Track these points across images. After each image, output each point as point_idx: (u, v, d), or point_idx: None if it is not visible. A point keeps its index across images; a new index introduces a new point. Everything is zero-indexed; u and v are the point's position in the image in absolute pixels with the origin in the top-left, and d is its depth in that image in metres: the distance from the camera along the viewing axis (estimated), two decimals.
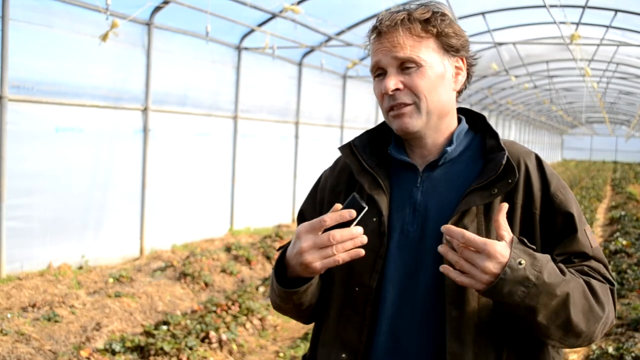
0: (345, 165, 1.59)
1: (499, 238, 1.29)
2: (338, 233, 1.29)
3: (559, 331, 1.33)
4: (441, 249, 1.31)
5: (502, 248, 1.27)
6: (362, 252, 1.31)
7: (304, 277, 1.39)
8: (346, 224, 1.30)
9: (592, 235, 1.48)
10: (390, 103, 1.44)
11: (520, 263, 1.27)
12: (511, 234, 1.31)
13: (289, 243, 1.42)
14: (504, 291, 1.26)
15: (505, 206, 1.32)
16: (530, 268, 1.27)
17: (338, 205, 1.32)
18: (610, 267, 6.25)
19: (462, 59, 1.50)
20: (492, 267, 1.26)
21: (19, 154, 6.10)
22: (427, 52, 1.43)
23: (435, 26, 1.44)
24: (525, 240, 1.33)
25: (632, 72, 15.70)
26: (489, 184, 1.41)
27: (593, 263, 1.44)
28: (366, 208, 1.30)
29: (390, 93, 1.42)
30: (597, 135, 48.36)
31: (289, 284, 1.42)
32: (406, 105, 1.43)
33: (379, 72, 1.47)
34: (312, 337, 1.60)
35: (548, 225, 1.44)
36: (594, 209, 14.00)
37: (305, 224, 1.33)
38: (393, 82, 1.42)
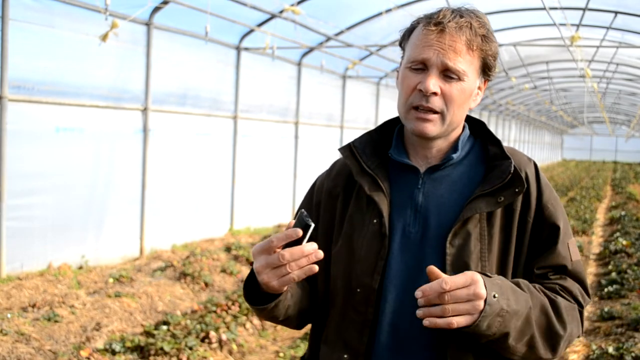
0: (343, 168, 1.58)
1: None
2: (287, 252, 1.30)
3: (524, 348, 1.37)
4: (421, 313, 1.30)
5: (478, 278, 1.30)
6: (316, 268, 1.32)
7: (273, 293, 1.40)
8: (299, 242, 1.31)
9: (575, 249, 1.50)
10: (419, 102, 1.42)
11: (494, 296, 1.29)
12: (470, 272, 1.31)
13: None
14: (484, 326, 1.29)
15: (434, 269, 1.31)
16: (502, 298, 1.31)
17: (291, 222, 1.34)
18: (610, 267, 6.14)
19: (485, 81, 1.52)
20: (482, 291, 1.28)
21: (19, 154, 6.10)
22: (471, 69, 1.44)
23: (490, 47, 1.45)
24: (486, 273, 1.35)
25: (632, 73, 15.71)
26: (495, 192, 1.42)
27: (568, 282, 1.47)
28: (312, 225, 1.31)
29: (428, 94, 1.41)
30: (597, 135, 48.37)
31: (263, 297, 1.43)
32: (434, 113, 1.43)
33: (418, 66, 1.43)
34: (310, 337, 1.60)
35: (536, 234, 1.47)
36: (594, 209, 14.00)
37: (257, 245, 1.35)
38: (435, 84, 1.41)
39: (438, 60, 1.40)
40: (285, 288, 1.37)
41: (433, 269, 1.30)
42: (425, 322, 1.29)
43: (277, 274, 1.32)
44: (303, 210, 1.34)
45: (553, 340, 1.40)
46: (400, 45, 1.53)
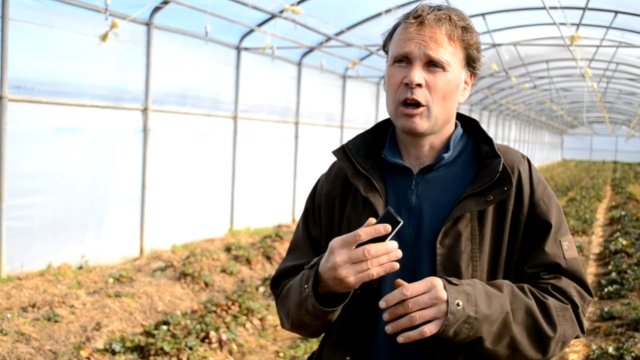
0: (340, 171, 1.58)
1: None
2: (373, 247, 1.28)
3: (506, 351, 1.37)
4: (390, 328, 1.32)
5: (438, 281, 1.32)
6: (397, 265, 1.30)
7: (336, 292, 1.37)
8: (380, 238, 1.29)
9: (571, 247, 1.49)
10: (406, 95, 1.42)
11: (458, 305, 1.30)
12: (432, 278, 1.33)
13: (319, 259, 1.40)
14: (450, 334, 1.30)
15: (400, 281, 1.33)
16: (468, 305, 1.31)
17: (372, 220, 1.31)
18: (610, 267, 6.11)
19: (472, 75, 1.52)
20: (443, 294, 1.31)
21: (19, 154, 6.10)
22: (454, 60, 1.44)
23: (471, 38, 1.45)
24: (450, 279, 1.35)
25: (632, 72, 15.71)
26: (484, 190, 1.42)
27: (562, 282, 1.46)
28: (402, 222, 1.30)
29: (413, 86, 1.41)
30: (597, 135, 48.36)
31: (321, 301, 1.40)
32: (420, 106, 1.42)
33: (402, 60, 1.44)
34: (322, 337, 1.60)
35: (528, 232, 1.46)
36: (594, 209, 14.00)
37: (339, 239, 1.32)
38: (420, 75, 1.41)
39: (420, 52, 1.41)
40: (357, 286, 1.34)
41: (399, 281, 1.33)
42: (400, 338, 1.31)
43: (357, 269, 1.29)
44: (390, 207, 1.32)
45: (542, 341, 1.39)
46: (383, 48, 1.53)
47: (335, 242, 1.32)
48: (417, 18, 1.43)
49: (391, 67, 1.46)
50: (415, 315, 1.29)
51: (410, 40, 1.42)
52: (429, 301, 1.29)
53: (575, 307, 1.45)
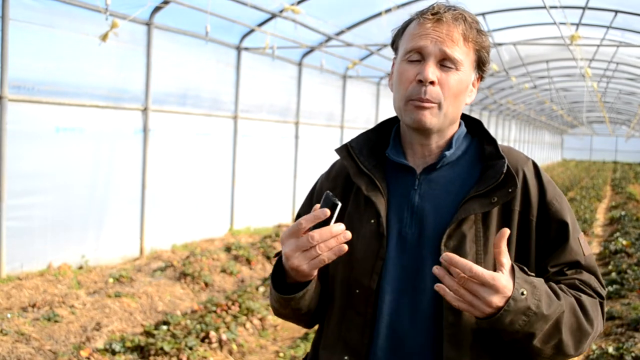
0: (341, 170, 1.58)
1: (499, 265, 1.29)
2: (317, 233, 1.29)
3: (551, 351, 1.36)
4: (437, 271, 1.28)
5: (507, 282, 1.27)
6: (346, 247, 1.31)
7: (301, 281, 1.40)
8: (326, 223, 1.30)
9: (585, 243, 1.49)
10: (418, 94, 1.42)
11: (522, 293, 1.28)
12: (510, 262, 1.31)
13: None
14: (506, 321, 1.27)
15: (507, 232, 1.30)
16: (531, 297, 1.29)
17: (317, 206, 1.33)
18: (610, 267, 6.14)
19: (479, 78, 1.53)
20: (497, 301, 1.26)
21: (19, 154, 6.10)
22: (467, 61, 1.44)
23: (484, 41, 1.47)
24: (525, 268, 1.34)
25: (632, 72, 15.71)
26: (489, 192, 1.41)
27: (585, 275, 1.45)
28: (339, 205, 1.31)
29: (427, 84, 1.40)
30: (597, 135, 48.37)
31: (288, 289, 1.44)
32: (432, 102, 1.42)
33: (415, 57, 1.44)
34: (314, 338, 1.60)
35: (543, 232, 1.45)
36: (594, 209, 14.00)
37: (286, 230, 1.35)
38: (433, 72, 1.41)
39: (436, 48, 1.41)
40: (314, 274, 1.37)
41: (501, 245, 1.29)
42: (436, 286, 1.29)
43: (308, 256, 1.31)
44: (329, 191, 1.33)
45: (582, 339, 1.39)
46: (392, 45, 1.53)
47: (283, 233, 1.35)
48: (435, 15, 1.43)
49: (403, 62, 1.46)
50: (459, 290, 1.26)
51: (426, 35, 1.42)
52: (479, 293, 1.25)
53: (601, 299, 1.45)
